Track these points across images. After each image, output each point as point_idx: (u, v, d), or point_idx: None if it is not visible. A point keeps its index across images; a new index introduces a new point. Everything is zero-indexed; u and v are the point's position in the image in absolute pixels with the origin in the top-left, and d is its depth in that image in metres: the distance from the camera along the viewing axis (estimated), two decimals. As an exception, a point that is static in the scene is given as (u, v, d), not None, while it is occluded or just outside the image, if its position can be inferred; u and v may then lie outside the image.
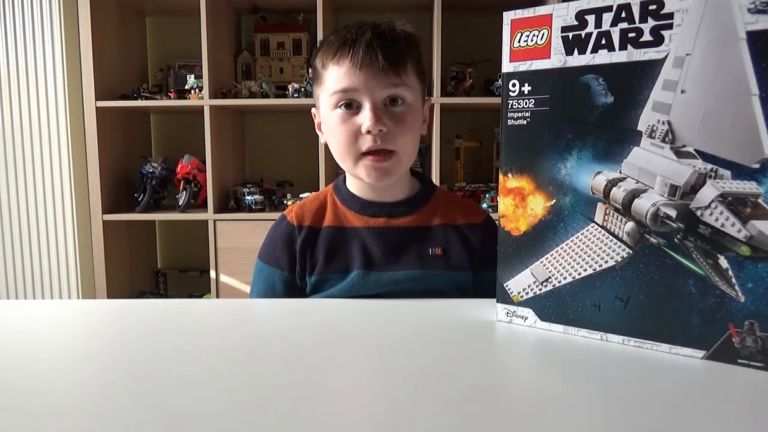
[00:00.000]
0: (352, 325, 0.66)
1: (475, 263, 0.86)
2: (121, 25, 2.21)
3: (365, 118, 0.78)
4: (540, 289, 0.62)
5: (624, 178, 0.55)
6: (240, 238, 2.08)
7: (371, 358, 0.57)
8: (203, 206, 2.14)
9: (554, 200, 0.59)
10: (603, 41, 0.55)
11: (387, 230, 0.84)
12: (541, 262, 0.62)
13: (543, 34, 0.59)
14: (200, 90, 2.09)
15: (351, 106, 0.79)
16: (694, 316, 0.53)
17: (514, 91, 0.61)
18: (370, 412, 0.44)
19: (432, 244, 0.85)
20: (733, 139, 0.49)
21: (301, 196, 2.08)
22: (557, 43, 0.58)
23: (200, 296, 2.31)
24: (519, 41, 0.60)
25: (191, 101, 2.09)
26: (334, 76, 0.80)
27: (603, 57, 0.55)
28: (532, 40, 0.59)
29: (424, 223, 0.86)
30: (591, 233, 0.58)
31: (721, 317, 0.52)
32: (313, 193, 0.95)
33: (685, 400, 0.45)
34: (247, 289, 2.11)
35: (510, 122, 0.62)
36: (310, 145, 2.14)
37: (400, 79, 0.80)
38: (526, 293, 0.63)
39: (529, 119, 0.60)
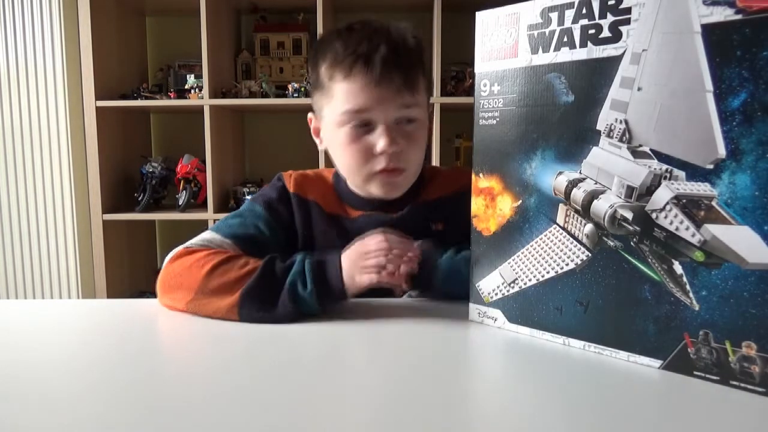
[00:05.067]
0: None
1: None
2: (121, 25, 2.21)
3: (380, 139, 0.76)
4: (508, 291, 0.62)
5: (584, 179, 0.54)
6: (240, 238, 2.08)
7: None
8: (203, 206, 2.14)
9: (520, 201, 0.59)
10: (565, 39, 0.55)
11: (387, 220, 0.82)
12: (508, 263, 0.61)
13: (511, 33, 0.58)
14: (200, 90, 2.09)
15: (362, 124, 0.77)
16: (651, 324, 0.51)
17: (485, 91, 0.61)
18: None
19: (432, 221, 0.84)
20: (687, 138, 0.48)
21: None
22: (524, 42, 0.58)
23: (200, 296, 2.30)
24: (490, 41, 0.60)
25: (191, 101, 2.09)
26: (345, 93, 0.76)
27: (565, 55, 0.55)
28: (502, 40, 0.59)
29: (421, 205, 0.85)
30: (553, 235, 0.57)
31: (676, 326, 0.50)
32: (314, 170, 0.92)
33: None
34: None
35: (481, 122, 0.62)
36: (310, 145, 2.13)
37: (413, 98, 0.78)
38: (496, 294, 0.63)
39: (498, 119, 0.60)
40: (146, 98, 2.14)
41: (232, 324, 0.67)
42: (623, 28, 0.51)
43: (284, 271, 0.70)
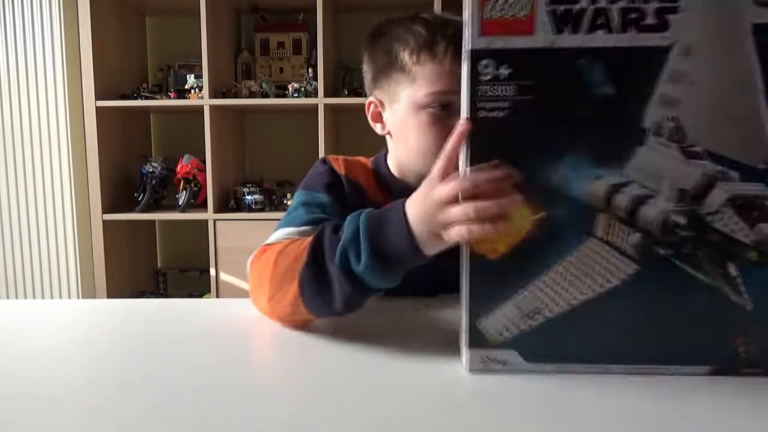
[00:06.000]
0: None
1: None
2: (121, 25, 2.21)
3: None
4: (527, 325, 0.51)
5: (628, 183, 0.49)
6: (240, 238, 2.08)
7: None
8: (203, 206, 2.14)
9: (544, 212, 0.50)
10: (600, 20, 0.47)
11: None
12: (527, 291, 0.51)
13: (525, 4, 0.48)
14: (200, 90, 2.09)
15: (445, 107, 0.77)
16: (703, 330, 0.50)
17: (487, 74, 0.49)
18: None
19: None
20: (740, 137, 0.47)
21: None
22: (543, 17, 0.48)
23: (200, 296, 2.30)
24: (492, 9, 0.48)
25: (191, 101, 2.09)
26: (433, 75, 0.76)
27: (601, 39, 0.48)
28: (509, 10, 0.48)
29: None
30: (591, 249, 0.50)
31: (727, 328, 0.49)
32: (354, 157, 0.89)
33: (701, 420, 0.43)
34: (247, 287, 2.11)
35: (481, 114, 0.49)
36: (310, 144, 2.14)
37: None
38: (509, 332, 0.52)
39: (507, 111, 0.49)
40: (146, 98, 2.14)
41: (232, 324, 0.67)
42: (670, 17, 0.47)
43: (334, 241, 0.58)
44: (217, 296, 2.10)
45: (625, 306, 0.50)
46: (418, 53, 0.77)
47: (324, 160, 0.86)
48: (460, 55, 0.73)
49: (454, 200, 0.51)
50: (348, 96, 2.11)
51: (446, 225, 0.51)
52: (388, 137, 0.86)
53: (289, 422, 0.42)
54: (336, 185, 0.82)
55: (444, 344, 0.57)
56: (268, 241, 0.71)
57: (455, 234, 0.50)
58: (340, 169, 0.84)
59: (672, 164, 0.48)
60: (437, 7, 1.98)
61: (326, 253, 0.57)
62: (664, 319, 0.50)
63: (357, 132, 2.34)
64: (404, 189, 0.83)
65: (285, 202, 2.14)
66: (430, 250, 0.53)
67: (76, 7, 2.01)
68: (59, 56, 2.14)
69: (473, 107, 0.49)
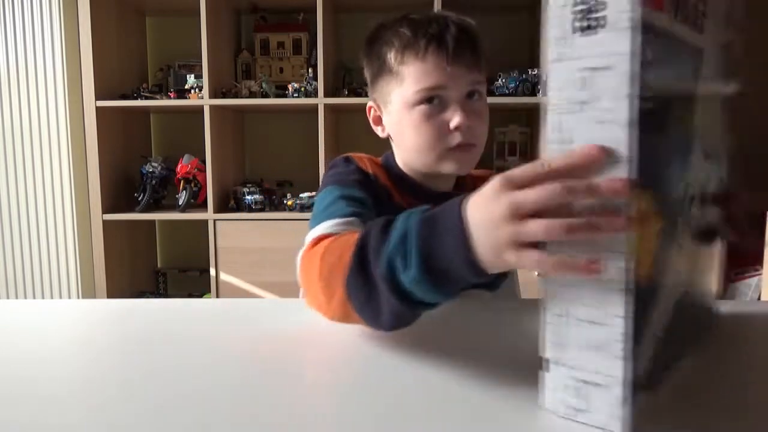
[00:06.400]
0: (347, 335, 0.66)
1: None
2: (121, 25, 2.21)
3: (454, 115, 0.77)
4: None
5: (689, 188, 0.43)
6: (240, 238, 2.08)
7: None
8: (203, 206, 2.14)
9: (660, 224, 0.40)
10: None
11: None
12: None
13: None
14: (200, 90, 2.09)
15: (433, 101, 0.78)
16: None
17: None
18: None
19: None
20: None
21: (301, 195, 2.08)
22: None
23: (200, 296, 2.30)
24: None
25: (191, 101, 2.09)
26: (419, 73, 0.77)
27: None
28: None
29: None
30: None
31: None
32: (365, 156, 0.88)
33: None
34: (247, 287, 2.11)
35: (636, 102, 0.35)
36: (310, 145, 2.14)
37: (480, 75, 0.80)
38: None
39: (652, 102, 0.37)
40: (146, 98, 2.14)
41: (233, 324, 0.67)
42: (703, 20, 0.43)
43: (380, 243, 0.48)
44: (217, 296, 2.10)
45: None
46: (402, 54, 0.79)
47: (347, 158, 0.85)
48: (443, 51, 0.75)
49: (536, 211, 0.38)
50: (348, 96, 2.11)
51: (518, 244, 0.39)
52: (390, 139, 0.87)
53: (289, 422, 0.42)
54: (367, 184, 0.81)
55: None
56: (315, 234, 0.64)
57: (530, 261, 0.39)
58: (368, 168, 0.84)
59: (699, 165, 0.45)
60: (437, 7, 1.98)
61: (371, 257, 0.49)
62: None
63: (357, 132, 2.35)
64: (421, 189, 0.85)
65: (285, 202, 2.14)
66: (493, 268, 0.42)
67: (76, 7, 2.01)
68: (59, 56, 2.14)
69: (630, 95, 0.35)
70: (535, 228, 0.38)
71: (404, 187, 0.85)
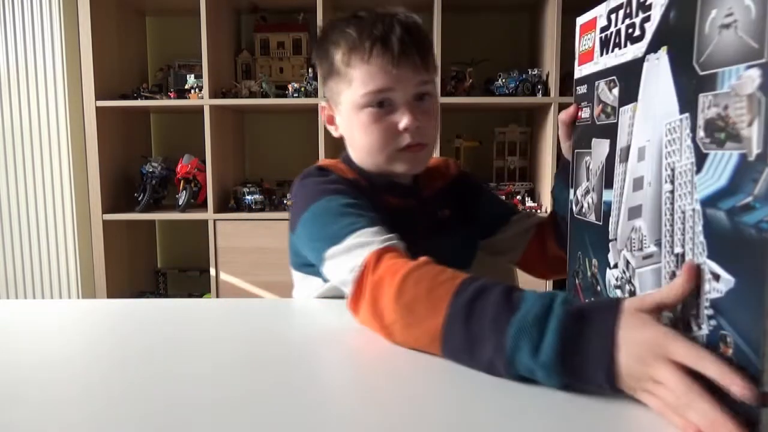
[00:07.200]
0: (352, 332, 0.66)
1: (481, 213, 0.94)
2: (121, 25, 2.21)
3: (403, 117, 0.77)
4: None
5: None
6: (240, 238, 2.08)
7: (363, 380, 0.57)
8: (203, 206, 2.14)
9: None
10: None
11: (410, 207, 0.86)
12: None
13: None
14: (200, 90, 2.09)
15: (383, 104, 0.78)
16: None
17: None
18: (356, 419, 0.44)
19: (439, 209, 0.89)
20: None
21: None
22: None
23: (200, 296, 2.30)
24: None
25: (191, 101, 2.09)
26: (366, 76, 0.77)
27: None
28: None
29: (431, 195, 0.90)
30: None
31: None
32: (336, 161, 0.89)
33: None
34: (247, 287, 2.11)
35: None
36: (310, 144, 2.14)
37: (429, 75, 0.80)
38: None
39: None
40: (146, 98, 2.14)
41: (232, 324, 0.67)
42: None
43: (514, 304, 0.48)
44: (217, 296, 2.10)
45: None
46: (348, 56, 0.78)
47: (321, 168, 0.84)
48: (389, 52, 0.75)
49: (671, 387, 0.39)
50: (348, 96, 2.10)
51: (654, 386, 0.41)
52: (344, 139, 0.87)
53: (283, 421, 0.42)
54: (354, 187, 0.80)
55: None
56: (356, 262, 0.62)
57: (655, 404, 0.41)
58: (347, 174, 0.84)
59: None
60: (437, 7, 1.98)
61: (486, 319, 0.48)
62: None
63: (357, 132, 2.35)
64: (386, 185, 0.85)
65: (285, 202, 2.14)
66: (624, 388, 0.42)
67: (76, 7, 2.01)
68: (59, 56, 2.14)
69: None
70: (664, 392, 0.40)
71: (378, 184, 0.85)
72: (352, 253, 0.64)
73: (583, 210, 0.61)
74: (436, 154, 2.01)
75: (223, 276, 2.11)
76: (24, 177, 2.19)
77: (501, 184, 2.21)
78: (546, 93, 2.02)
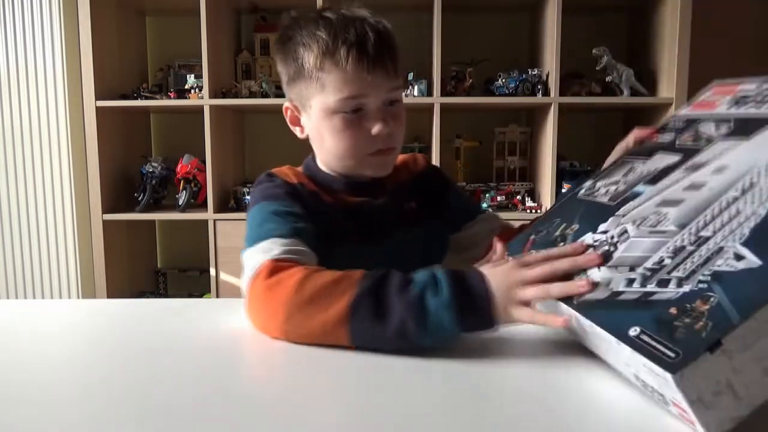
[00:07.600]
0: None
1: (445, 204, 0.95)
2: (121, 25, 2.21)
3: (376, 123, 0.78)
4: None
5: None
6: (240, 238, 2.07)
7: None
8: (203, 206, 2.14)
9: None
10: None
11: (376, 204, 0.87)
12: None
13: None
14: (200, 90, 2.09)
15: (356, 110, 0.79)
16: None
17: None
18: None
19: (405, 202, 0.91)
20: None
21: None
22: None
23: (200, 296, 2.30)
24: None
25: (191, 101, 2.09)
26: (340, 82, 0.77)
27: None
28: None
29: (396, 189, 0.90)
30: None
31: None
32: (287, 168, 0.92)
33: None
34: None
35: None
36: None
37: (399, 81, 0.82)
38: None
39: None
40: (146, 98, 2.14)
41: (232, 323, 0.67)
42: None
43: (405, 281, 0.58)
44: (217, 296, 2.10)
45: None
46: (321, 60, 0.77)
47: (270, 174, 0.87)
48: (364, 58, 0.76)
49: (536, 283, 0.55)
50: (348, 96, 2.10)
51: (521, 303, 0.55)
52: (309, 141, 0.88)
53: (282, 421, 0.42)
54: (295, 194, 0.82)
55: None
56: (260, 259, 0.67)
57: (525, 315, 0.55)
58: (292, 179, 0.86)
59: None
60: (437, 7, 1.97)
61: (391, 288, 0.57)
62: None
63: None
64: (345, 185, 0.86)
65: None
66: (501, 319, 0.56)
67: (76, 7, 2.01)
68: (59, 56, 2.14)
69: None
70: (531, 291, 0.55)
71: (336, 185, 0.87)
72: (255, 258, 0.68)
73: (597, 193, 0.65)
74: (437, 154, 2.01)
75: (223, 276, 2.11)
76: (24, 177, 2.19)
77: (501, 184, 2.21)
78: (546, 93, 2.02)
